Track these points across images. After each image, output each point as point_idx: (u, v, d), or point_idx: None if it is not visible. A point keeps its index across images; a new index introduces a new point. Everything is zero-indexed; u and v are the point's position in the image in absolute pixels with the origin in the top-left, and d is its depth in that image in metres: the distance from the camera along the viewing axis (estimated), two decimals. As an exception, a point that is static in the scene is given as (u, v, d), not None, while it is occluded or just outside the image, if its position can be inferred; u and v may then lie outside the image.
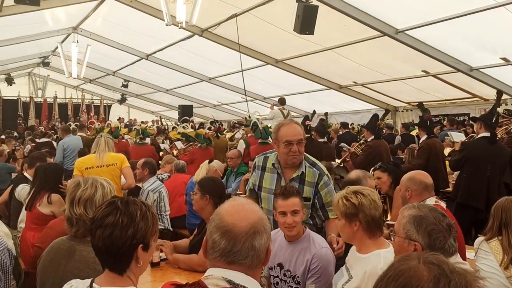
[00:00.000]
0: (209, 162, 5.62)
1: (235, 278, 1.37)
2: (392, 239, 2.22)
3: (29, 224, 4.21)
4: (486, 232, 2.75)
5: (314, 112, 9.26)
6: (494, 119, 5.45)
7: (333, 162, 6.93)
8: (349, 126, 11.46)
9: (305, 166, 3.22)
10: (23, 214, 4.53)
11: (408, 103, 12.32)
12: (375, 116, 7.38)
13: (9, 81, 18.48)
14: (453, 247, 2.05)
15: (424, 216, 2.05)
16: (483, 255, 2.71)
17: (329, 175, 3.33)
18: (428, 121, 6.69)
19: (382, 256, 2.32)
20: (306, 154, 3.29)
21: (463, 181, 5.44)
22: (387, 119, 11.75)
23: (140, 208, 1.69)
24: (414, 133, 10.22)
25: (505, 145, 5.83)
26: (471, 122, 8.95)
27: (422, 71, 9.65)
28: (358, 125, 11.41)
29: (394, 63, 9.63)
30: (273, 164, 3.27)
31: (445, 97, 11.15)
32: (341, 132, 10.93)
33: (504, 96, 8.56)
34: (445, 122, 10.24)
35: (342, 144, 8.27)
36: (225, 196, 3.44)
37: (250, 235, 1.39)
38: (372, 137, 7.15)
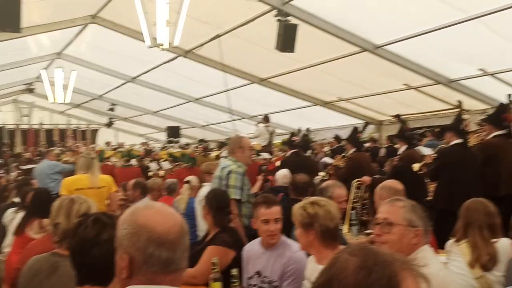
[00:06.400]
0: (185, 183, 5.57)
1: None
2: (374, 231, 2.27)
3: (15, 249, 4.11)
4: (455, 234, 2.81)
5: (300, 130, 9.36)
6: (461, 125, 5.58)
7: (317, 176, 7.00)
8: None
9: None
10: (9, 239, 4.50)
11: (393, 116, 12.43)
12: (355, 129, 7.50)
13: (-5, 108, 18.52)
14: None
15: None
16: (453, 256, 2.77)
17: None
18: (405, 132, 6.80)
19: None
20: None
21: (442, 188, 5.48)
22: (372, 133, 11.87)
23: None
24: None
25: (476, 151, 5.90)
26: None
27: (404, 84, 9.79)
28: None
29: (375, 78, 9.76)
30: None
31: (427, 109, 11.29)
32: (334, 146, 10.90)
33: (483, 106, 8.76)
34: (427, 134, 10.32)
35: (323, 160, 8.33)
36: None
37: (182, 236, 1.38)
38: (353, 149, 7.25)
